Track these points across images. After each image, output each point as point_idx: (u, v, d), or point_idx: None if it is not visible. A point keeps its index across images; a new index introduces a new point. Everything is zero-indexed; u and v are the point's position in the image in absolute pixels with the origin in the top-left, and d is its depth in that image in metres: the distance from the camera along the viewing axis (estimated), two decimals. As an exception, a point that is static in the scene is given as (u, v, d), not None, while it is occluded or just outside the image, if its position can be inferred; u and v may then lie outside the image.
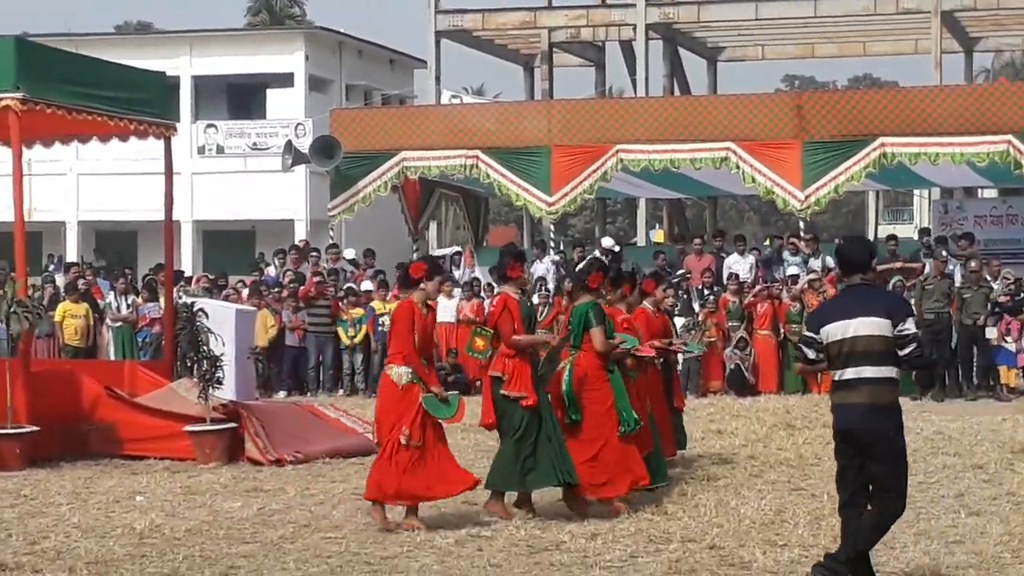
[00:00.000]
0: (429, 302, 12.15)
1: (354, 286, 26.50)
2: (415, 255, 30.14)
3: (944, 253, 25.21)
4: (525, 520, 11.95)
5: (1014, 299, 22.96)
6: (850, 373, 9.00)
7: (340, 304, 25.67)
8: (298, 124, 42.20)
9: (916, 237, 31.35)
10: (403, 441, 11.59)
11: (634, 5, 36.20)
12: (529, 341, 12.37)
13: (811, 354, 9.24)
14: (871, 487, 9.06)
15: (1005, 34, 39.88)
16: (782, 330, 24.27)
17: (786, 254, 26.73)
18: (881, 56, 44.32)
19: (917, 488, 13.38)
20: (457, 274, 28.38)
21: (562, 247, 31.05)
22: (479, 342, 12.46)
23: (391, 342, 12.31)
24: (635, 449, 12.54)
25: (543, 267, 27.30)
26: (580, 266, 15.87)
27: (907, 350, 8.94)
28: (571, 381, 12.49)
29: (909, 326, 8.95)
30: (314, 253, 28.34)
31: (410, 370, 11.72)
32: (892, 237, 28.15)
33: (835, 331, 9.03)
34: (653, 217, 45.03)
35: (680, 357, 19.54)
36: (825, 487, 13.38)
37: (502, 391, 12.19)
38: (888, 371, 8.98)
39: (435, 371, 12.44)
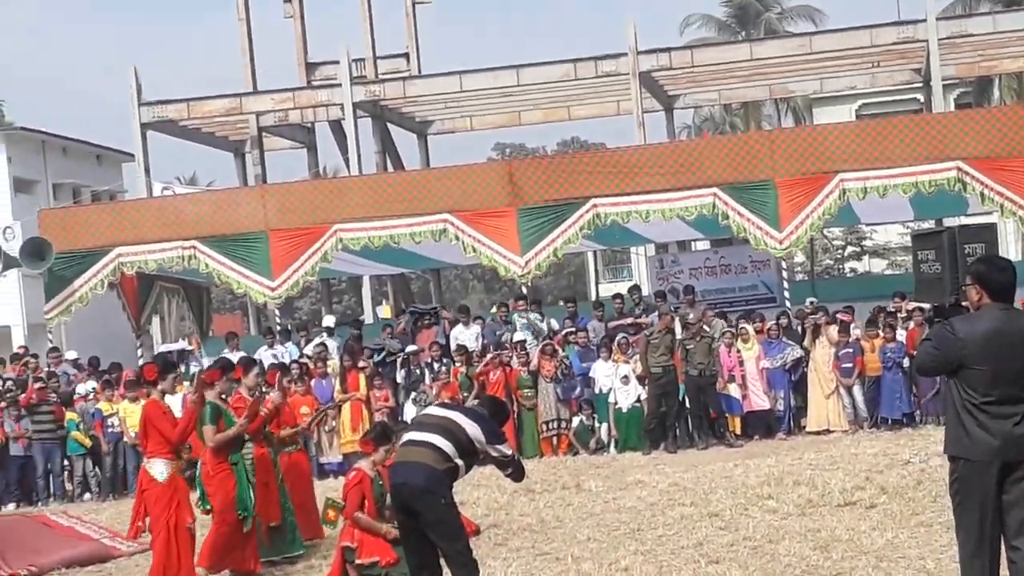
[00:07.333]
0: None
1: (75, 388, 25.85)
2: (139, 351, 29.59)
3: (670, 308, 25.64)
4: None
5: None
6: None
7: (64, 410, 24.97)
8: (6, 228, 40.79)
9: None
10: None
11: (340, 85, 36.27)
12: (368, 524, 12.45)
13: None
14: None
15: (701, 90, 41.14)
16: (514, 396, 24.37)
17: (515, 316, 26.89)
18: (586, 119, 45.26)
19: (657, 541, 13.64)
20: (195, 368, 27.87)
21: (289, 329, 30.68)
22: (331, 513, 13.33)
23: (149, 440, 12.56)
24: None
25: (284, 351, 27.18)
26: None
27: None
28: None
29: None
30: (33, 358, 27.56)
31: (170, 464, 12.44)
32: (618, 296, 28.60)
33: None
34: (379, 293, 45.08)
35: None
36: (568, 550, 13.55)
37: (357, 561, 12.43)
38: None
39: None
